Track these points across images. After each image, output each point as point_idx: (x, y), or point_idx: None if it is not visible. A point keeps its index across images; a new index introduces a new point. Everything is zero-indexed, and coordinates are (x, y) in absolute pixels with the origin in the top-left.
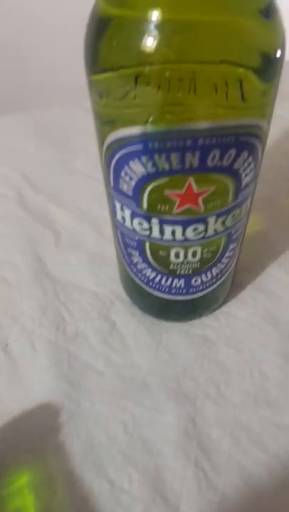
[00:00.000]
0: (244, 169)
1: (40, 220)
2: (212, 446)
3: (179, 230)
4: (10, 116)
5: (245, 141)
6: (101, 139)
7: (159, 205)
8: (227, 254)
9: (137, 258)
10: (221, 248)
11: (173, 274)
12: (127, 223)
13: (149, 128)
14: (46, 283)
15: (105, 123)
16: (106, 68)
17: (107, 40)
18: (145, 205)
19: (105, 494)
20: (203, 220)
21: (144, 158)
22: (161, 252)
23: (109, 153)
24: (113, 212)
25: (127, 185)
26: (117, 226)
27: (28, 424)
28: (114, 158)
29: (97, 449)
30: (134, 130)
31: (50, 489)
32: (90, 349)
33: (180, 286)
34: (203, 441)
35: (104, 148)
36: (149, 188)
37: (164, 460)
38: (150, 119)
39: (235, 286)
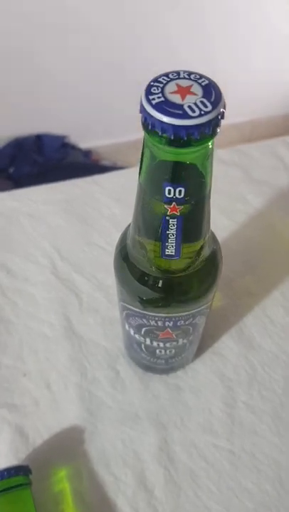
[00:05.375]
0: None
1: (68, 287)
2: (175, 457)
3: (161, 344)
4: (43, 188)
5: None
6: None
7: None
8: (193, 341)
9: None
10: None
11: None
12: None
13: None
14: (73, 339)
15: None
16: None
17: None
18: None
19: (110, 483)
20: (175, 340)
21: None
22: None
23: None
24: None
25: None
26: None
27: (63, 438)
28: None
29: (106, 455)
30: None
31: (79, 479)
32: (102, 390)
33: (161, 363)
34: (170, 453)
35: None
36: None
37: (146, 464)
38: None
39: (199, 350)
